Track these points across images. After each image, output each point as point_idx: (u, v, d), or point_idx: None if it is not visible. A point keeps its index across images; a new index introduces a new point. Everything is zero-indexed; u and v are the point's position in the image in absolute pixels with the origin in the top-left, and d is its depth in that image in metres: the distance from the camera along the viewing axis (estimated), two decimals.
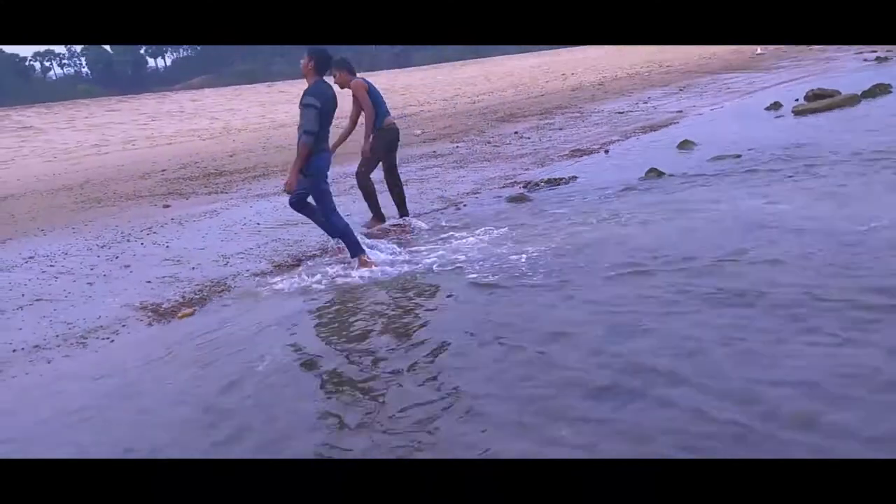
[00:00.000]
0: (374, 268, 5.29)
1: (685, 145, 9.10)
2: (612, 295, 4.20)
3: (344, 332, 4.17)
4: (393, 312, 4.42)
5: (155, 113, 20.77)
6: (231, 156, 12.68)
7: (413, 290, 4.78)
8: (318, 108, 5.10)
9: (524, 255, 5.18)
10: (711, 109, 13.83)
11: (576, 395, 3.09)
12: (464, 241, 5.83)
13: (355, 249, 5.40)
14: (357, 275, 5.19)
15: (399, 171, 6.86)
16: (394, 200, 6.85)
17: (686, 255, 4.69)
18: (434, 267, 5.20)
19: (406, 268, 5.26)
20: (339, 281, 5.15)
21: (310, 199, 5.48)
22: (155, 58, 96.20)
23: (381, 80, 30.19)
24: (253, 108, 21.35)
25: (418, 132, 14.17)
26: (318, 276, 5.27)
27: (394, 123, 6.56)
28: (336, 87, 5.73)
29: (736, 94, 16.35)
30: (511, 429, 2.87)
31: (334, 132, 5.59)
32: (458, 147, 12.01)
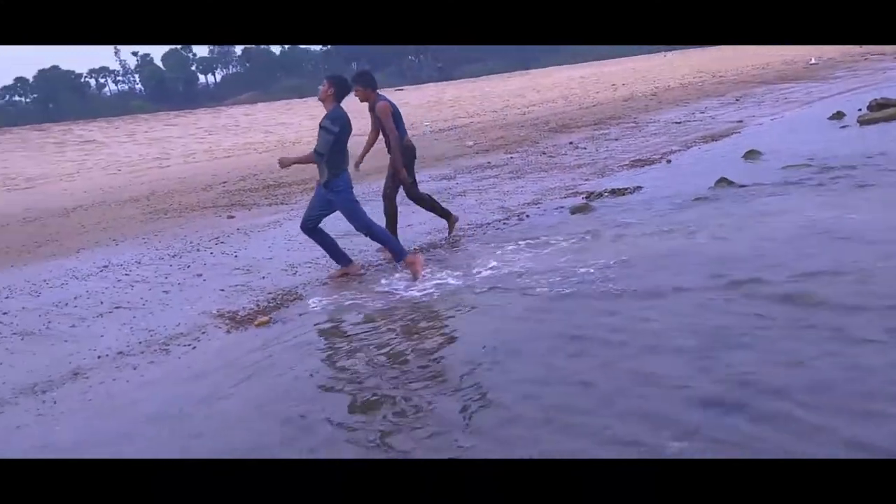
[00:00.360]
0: (422, 268, 5.42)
1: (751, 155, 8.93)
2: (689, 309, 4.12)
3: (407, 347, 4.17)
4: (456, 326, 4.41)
5: (211, 127, 21.22)
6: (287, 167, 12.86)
7: (478, 304, 4.74)
8: (336, 134, 5.31)
9: (592, 268, 5.11)
10: (772, 119, 13.58)
11: (672, 410, 3.03)
12: (529, 252, 5.79)
13: (399, 254, 5.50)
14: (418, 288, 5.19)
15: (422, 187, 6.65)
16: (433, 212, 6.71)
17: (765, 268, 4.59)
18: (500, 279, 5.17)
19: (471, 280, 5.24)
20: (402, 294, 5.14)
21: (322, 226, 5.71)
22: (205, 74, 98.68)
23: (429, 92, 30.51)
24: (305, 122, 21.65)
25: (470, 143, 14.20)
26: (381, 289, 5.31)
27: (410, 142, 6.43)
28: (354, 102, 5.86)
29: (795, 104, 16.02)
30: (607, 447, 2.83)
31: (353, 149, 5.67)
32: (512, 157, 12.00)
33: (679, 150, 10.85)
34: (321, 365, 4.03)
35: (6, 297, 6.03)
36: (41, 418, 3.73)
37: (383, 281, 5.50)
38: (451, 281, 5.28)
